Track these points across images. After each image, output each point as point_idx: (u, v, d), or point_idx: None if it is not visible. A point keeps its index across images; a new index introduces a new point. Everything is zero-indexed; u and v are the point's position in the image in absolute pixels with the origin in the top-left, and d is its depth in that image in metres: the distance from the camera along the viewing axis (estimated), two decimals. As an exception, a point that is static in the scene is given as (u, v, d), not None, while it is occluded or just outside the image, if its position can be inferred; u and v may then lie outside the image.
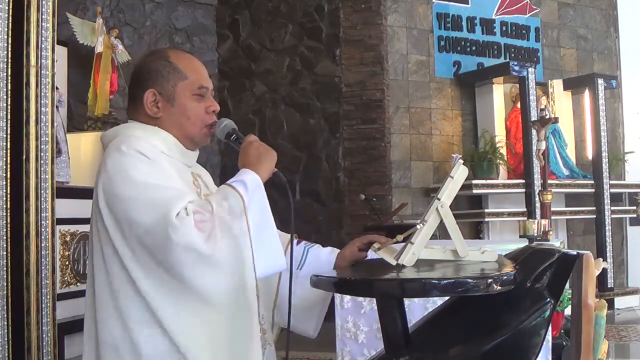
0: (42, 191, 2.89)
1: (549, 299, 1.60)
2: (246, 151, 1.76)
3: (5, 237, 2.75)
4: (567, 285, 1.79)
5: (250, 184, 1.68)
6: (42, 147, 2.90)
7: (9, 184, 2.78)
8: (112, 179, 1.65)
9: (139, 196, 1.61)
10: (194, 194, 1.76)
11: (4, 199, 2.76)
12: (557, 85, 7.38)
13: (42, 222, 2.90)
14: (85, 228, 4.38)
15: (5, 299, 2.73)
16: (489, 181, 6.76)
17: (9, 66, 2.79)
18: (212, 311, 1.63)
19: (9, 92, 2.79)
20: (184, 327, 1.62)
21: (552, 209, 5.64)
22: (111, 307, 1.65)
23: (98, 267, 1.69)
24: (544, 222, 4.08)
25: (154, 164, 1.68)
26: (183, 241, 1.55)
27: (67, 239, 4.32)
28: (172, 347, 1.62)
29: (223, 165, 7.05)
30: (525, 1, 7.70)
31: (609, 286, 7.00)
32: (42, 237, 2.89)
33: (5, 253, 2.74)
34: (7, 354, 2.74)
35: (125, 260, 1.63)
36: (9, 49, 2.79)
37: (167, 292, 1.61)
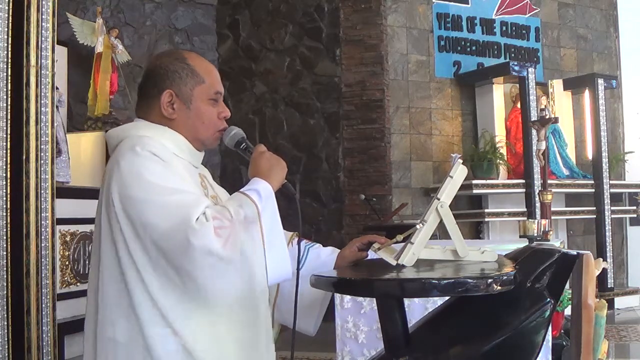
0: (42, 191, 2.89)
1: (549, 299, 1.60)
2: (258, 161, 1.79)
3: (5, 237, 2.75)
4: (567, 285, 1.79)
5: (263, 193, 1.71)
6: (42, 147, 2.90)
7: (9, 184, 2.78)
8: (126, 181, 1.64)
9: (155, 199, 1.61)
10: (205, 197, 1.77)
11: (4, 199, 2.76)
12: (557, 85, 7.38)
13: (42, 222, 2.90)
14: (85, 228, 4.38)
15: (5, 299, 2.73)
16: (489, 181, 6.76)
17: (9, 66, 2.79)
18: (224, 316, 1.65)
19: (9, 92, 2.79)
20: (195, 330, 1.63)
21: (552, 209, 5.64)
22: (123, 307, 1.65)
23: (107, 268, 1.68)
24: (544, 222, 4.08)
25: (169, 166, 1.69)
26: (202, 246, 1.56)
27: (67, 239, 4.32)
28: (183, 349, 1.63)
29: (223, 165, 7.06)
30: (525, 1, 7.70)
31: (609, 286, 7.01)
32: (42, 237, 2.89)
33: (5, 253, 2.74)
34: (7, 354, 2.74)
35: (138, 262, 1.63)
36: (9, 49, 2.79)
37: (180, 295, 1.62)
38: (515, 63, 6.94)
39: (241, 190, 1.73)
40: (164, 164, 1.68)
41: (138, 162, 1.65)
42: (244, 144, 1.87)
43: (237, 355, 1.67)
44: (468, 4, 7.41)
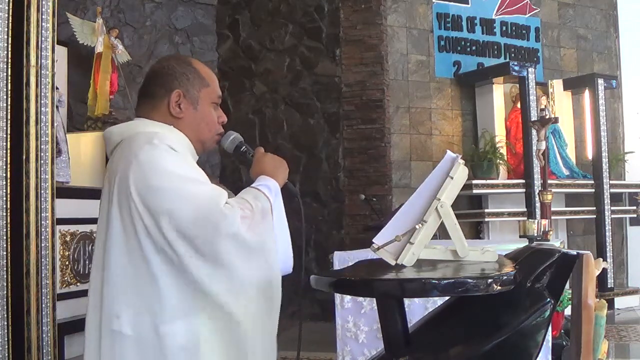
0: (42, 191, 2.89)
1: (549, 299, 1.60)
2: (263, 161, 1.88)
3: (5, 237, 2.75)
4: (567, 285, 1.79)
5: (273, 189, 1.80)
6: (42, 147, 2.90)
7: (9, 184, 2.78)
8: (146, 172, 1.66)
9: (180, 188, 1.65)
10: None
11: (4, 199, 2.76)
12: (557, 85, 7.38)
13: (42, 222, 2.90)
14: (85, 228, 4.38)
15: (5, 299, 2.73)
16: (489, 181, 6.76)
17: (9, 66, 2.79)
18: (237, 304, 1.67)
19: (9, 92, 2.79)
20: (207, 326, 1.66)
21: (552, 209, 5.64)
22: (136, 299, 1.66)
23: (119, 261, 1.68)
24: (544, 222, 4.08)
25: (186, 159, 1.75)
26: (231, 231, 1.63)
27: (67, 239, 4.32)
28: (195, 343, 1.64)
29: (223, 165, 7.05)
30: (525, 1, 7.70)
31: (609, 286, 7.00)
32: (42, 237, 2.89)
33: (5, 253, 2.74)
34: (7, 354, 2.74)
35: (156, 254, 1.64)
36: (9, 49, 2.79)
37: (195, 289, 1.64)
38: (515, 63, 6.94)
39: (252, 185, 1.81)
40: (181, 156, 1.73)
41: (157, 154, 1.68)
42: (243, 147, 1.96)
43: (253, 346, 1.69)
44: (468, 4, 7.41)
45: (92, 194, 4.17)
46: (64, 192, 4.01)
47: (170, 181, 1.65)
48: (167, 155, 1.69)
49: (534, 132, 6.21)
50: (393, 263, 1.67)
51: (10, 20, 2.78)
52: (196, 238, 1.62)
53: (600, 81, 7.29)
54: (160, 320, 1.64)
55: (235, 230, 1.63)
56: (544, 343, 1.84)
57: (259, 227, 1.68)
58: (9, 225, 2.77)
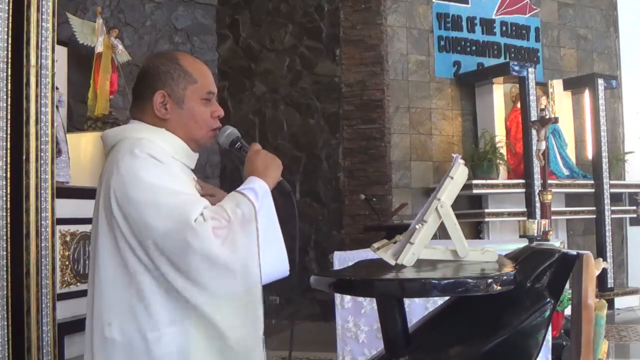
0: (42, 191, 2.89)
1: (549, 299, 1.60)
2: (254, 160, 1.81)
3: (5, 237, 2.75)
4: (567, 285, 1.79)
5: (260, 192, 1.73)
6: (42, 147, 2.90)
7: (9, 184, 2.78)
8: (125, 182, 1.66)
9: (154, 200, 1.63)
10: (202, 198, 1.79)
11: (4, 199, 2.75)
12: (557, 85, 7.38)
13: (42, 222, 2.89)
14: (85, 228, 4.38)
15: (5, 299, 2.73)
16: (489, 181, 6.76)
17: (9, 66, 2.79)
18: (220, 315, 1.65)
19: (9, 92, 2.78)
20: (190, 332, 1.65)
21: (552, 209, 5.65)
22: (124, 307, 1.67)
23: (107, 268, 1.69)
24: (544, 222, 4.08)
25: (167, 168, 1.70)
26: (201, 246, 1.58)
27: (67, 239, 4.32)
28: (179, 351, 1.64)
29: (223, 165, 7.05)
30: (525, 1, 7.70)
31: (609, 286, 7.00)
32: (42, 237, 2.89)
33: (5, 253, 2.74)
34: (7, 354, 2.74)
35: (137, 264, 1.65)
36: (9, 49, 2.78)
37: (177, 297, 1.64)
38: (515, 63, 6.94)
39: (238, 189, 1.75)
40: (162, 166, 1.69)
41: (137, 164, 1.67)
42: (238, 143, 1.90)
43: (232, 351, 1.68)
44: (468, 4, 7.41)
45: (92, 194, 4.13)
46: (64, 192, 4.01)
47: (146, 193, 1.64)
48: (146, 165, 1.67)
49: (534, 132, 6.21)
50: (393, 263, 1.67)
51: (10, 20, 2.78)
52: (168, 251, 1.61)
53: (600, 81, 7.29)
54: (148, 327, 1.64)
55: (206, 244, 1.58)
56: (544, 343, 1.84)
57: (235, 238, 1.63)
58: (9, 225, 2.77)
